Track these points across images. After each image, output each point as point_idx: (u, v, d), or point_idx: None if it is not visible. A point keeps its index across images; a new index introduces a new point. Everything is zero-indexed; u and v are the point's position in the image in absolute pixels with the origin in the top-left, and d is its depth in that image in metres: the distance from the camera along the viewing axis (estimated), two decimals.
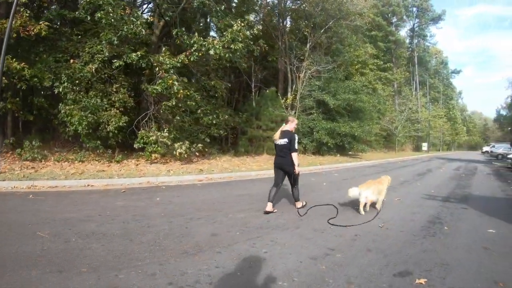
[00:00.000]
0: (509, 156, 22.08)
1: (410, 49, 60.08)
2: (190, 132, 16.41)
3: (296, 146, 5.95)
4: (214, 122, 16.09)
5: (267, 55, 28.62)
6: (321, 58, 24.94)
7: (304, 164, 16.71)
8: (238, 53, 14.33)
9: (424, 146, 49.55)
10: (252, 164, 15.63)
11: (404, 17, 57.47)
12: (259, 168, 14.13)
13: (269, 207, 5.96)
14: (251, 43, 15.61)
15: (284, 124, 6.32)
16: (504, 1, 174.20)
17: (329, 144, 23.24)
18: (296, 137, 5.99)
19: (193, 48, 13.53)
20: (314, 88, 24.35)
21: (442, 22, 78.22)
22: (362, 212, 6.19)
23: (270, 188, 6.12)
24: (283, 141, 5.96)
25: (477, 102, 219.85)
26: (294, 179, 6.09)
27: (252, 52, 16.11)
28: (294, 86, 25.32)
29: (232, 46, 13.33)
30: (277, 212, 6.10)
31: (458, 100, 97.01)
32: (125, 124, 13.30)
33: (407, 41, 60.33)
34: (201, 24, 15.83)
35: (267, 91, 24.45)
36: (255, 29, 14.76)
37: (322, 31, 25.20)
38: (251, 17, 25.27)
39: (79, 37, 13.94)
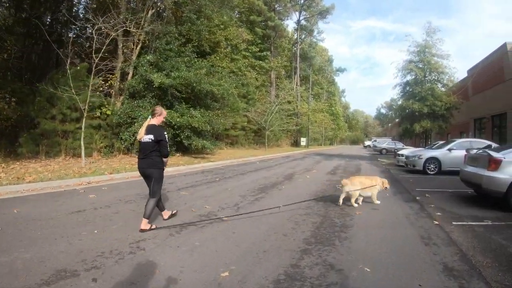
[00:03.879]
0: (400, 153, 17.68)
1: (298, 42, 56.39)
2: None
3: (167, 145, 5.00)
4: None
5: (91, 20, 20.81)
6: (159, 27, 18.52)
7: (84, 172, 10.56)
8: None
9: (303, 141, 45.87)
10: None
11: (289, 5, 53.11)
12: None
13: (165, 213, 5.29)
14: None
15: (149, 117, 5.00)
16: (392, 19, 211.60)
17: None
18: (166, 134, 4.91)
19: None
20: (143, 64, 17.54)
21: (335, 30, 77.70)
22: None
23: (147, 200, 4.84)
24: (148, 138, 4.78)
25: (359, 103, 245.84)
26: (155, 188, 4.90)
27: None
28: (120, 62, 18.19)
29: None
30: None
31: (341, 98, 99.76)
32: None
33: (295, 36, 56.40)
34: None
35: (78, 67, 16.76)
36: None
37: None
38: None
39: None
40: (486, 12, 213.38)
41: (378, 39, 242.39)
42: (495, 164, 6.53)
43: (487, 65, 22.79)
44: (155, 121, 4.95)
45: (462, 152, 12.93)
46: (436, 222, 5.57)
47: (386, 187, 7.09)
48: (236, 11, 40.23)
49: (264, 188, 8.86)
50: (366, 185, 6.78)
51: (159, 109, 5.05)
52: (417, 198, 7.77)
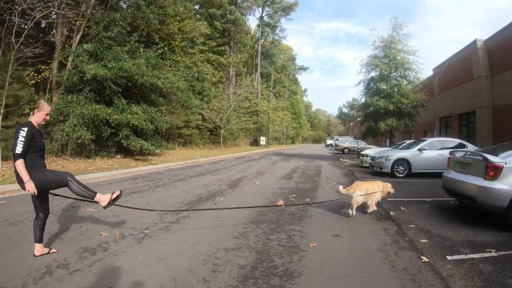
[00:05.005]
0: (364, 153, 16.26)
1: (260, 39, 54.48)
2: None
3: (20, 147, 3.46)
4: None
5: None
6: (99, 12, 16.08)
7: None
8: None
9: (263, 140, 43.91)
10: None
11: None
12: None
13: (37, 249, 3.72)
14: None
15: (31, 114, 3.90)
16: (356, 22, 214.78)
17: (86, 140, 13.67)
18: (23, 131, 3.50)
19: None
20: (79, 53, 15.18)
21: (299, 31, 75.85)
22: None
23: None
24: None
25: (321, 102, 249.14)
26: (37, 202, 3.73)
27: None
28: (56, 53, 15.75)
29: None
30: None
31: (303, 96, 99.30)
32: None
33: (257, 34, 54.23)
34: None
35: (7, 56, 14.39)
36: None
37: None
38: None
39: None
40: (446, 18, 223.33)
41: (341, 40, 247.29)
42: (494, 171, 4.88)
43: (455, 62, 21.83)
44: (35, 118, 3.81)
45: (434, 153, 11.71)
46: (425, 259, 3.78)
47: (389, 192, 6.09)
48: (196, 4, 38.16)
49: (196, 202, 6.84)
50: (370, 191, 5.86)
51: (40, 103, 3.90)
52: (391, 213, 6.01)
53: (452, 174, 5.99)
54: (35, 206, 3.76)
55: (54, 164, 12.24)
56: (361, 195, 5.72)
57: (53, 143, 13.43)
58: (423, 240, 4.44)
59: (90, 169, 11.68)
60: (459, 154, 6.09)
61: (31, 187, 3.48)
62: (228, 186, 9.05)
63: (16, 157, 3.45)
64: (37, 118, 3.81)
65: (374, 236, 4.65)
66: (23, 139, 3.47)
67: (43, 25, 17.37)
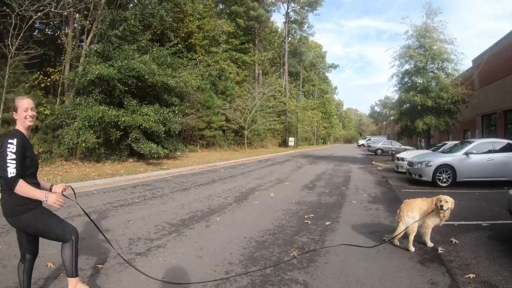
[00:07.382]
0: (400, 156, 14.40)
1: (286, 36, 52.65)
2: None
3: (12, 167, 2.37)
4: None
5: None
6: (105, 10, 15.30)
7: None
8: None
9: (291, 141, 41.73)
10: None
11: None
12: None
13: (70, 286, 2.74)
14: None
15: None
16: (386, 18, 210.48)
17: (91, 144, 12.72)
18: (12, 145, 2.41)
19: None
20: (87, 54, 14.44)
21: (328, 29, 73.15)
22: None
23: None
24: None
25: (352, 101, 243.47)
26: (52, 235, 2.66)
27: None
28: (66, 55, 15.09)
29: None
30: None
31: (334, 95, 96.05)
32: None
33: (285, 31, 52.39)
34: None
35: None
36: None
37: None
38: None
39: None
40: (478, 12, 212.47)
41: (371, 38, 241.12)
42: None
43: (498, 51, 18.88)
44: (19, 123, 2.64)
45: (483, 157, 9.58)
46: None
47: (442, 207, 4.07)
48: (219, 2, 37.28)
49: (186, 221, 5.37)
50: (424, 211, 4.21)
51: (19, 100, 2.69)
52: (440, 250, 4.14)
53: None
54: (20, 245, 2.70)
55: (60, 168, 11.63)
56: (413, 218, 4.11)
57: (61, 147, 12.69)
58: None
59: (92, 175, 10.62)
60: None
61: (54, 199, 2.49)
62: (236, 199, 7.47)
63: (11, 183, 2.35)
64: (20, 121, 2.63)
65: None
66: (14, 156, 2.39)
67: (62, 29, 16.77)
